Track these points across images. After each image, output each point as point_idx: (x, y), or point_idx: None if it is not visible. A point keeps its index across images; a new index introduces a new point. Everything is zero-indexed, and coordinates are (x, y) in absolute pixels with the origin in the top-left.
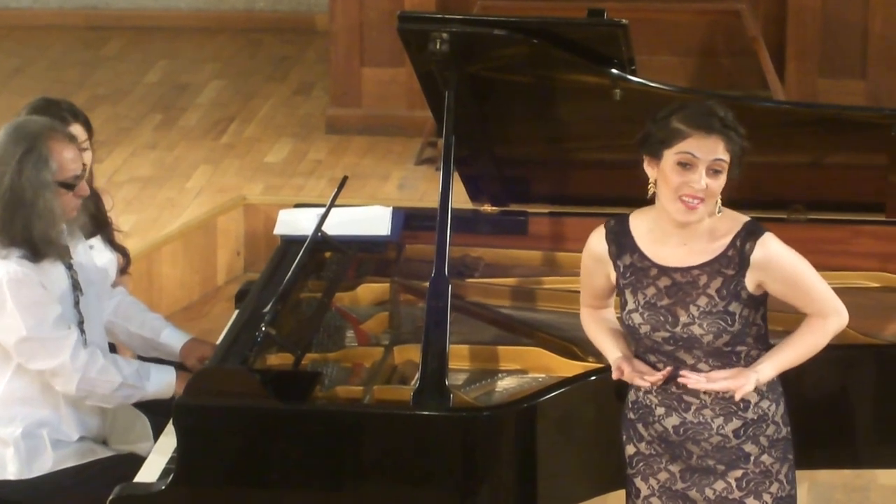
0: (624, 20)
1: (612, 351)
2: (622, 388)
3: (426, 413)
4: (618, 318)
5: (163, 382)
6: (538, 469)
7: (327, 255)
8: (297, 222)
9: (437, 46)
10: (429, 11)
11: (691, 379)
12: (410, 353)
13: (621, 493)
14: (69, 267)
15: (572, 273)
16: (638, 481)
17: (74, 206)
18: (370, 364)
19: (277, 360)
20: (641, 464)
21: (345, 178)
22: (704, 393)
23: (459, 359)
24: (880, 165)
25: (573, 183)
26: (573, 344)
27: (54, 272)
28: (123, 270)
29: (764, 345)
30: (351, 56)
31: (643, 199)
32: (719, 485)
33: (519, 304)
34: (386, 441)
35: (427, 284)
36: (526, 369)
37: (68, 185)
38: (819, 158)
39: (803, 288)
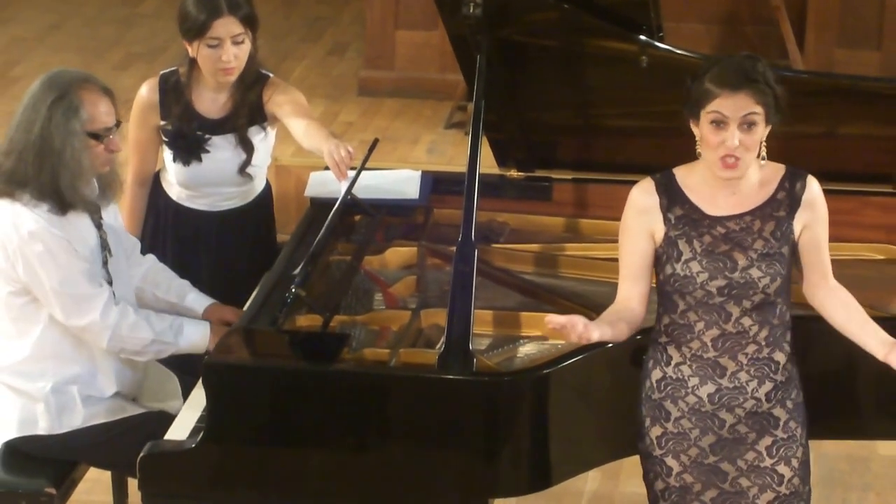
0: None
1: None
2: (637, 356)
3: (450, 377)
4: (662, 279)
5: (196, 337)
6: (557, 433)
7: (357, 217)
8: (327, 185)
9: (471, 10)
10: None
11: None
12: (437, 317)
13: (633, 463)
14: (99, 226)
15: (594, 240)
16: (669, 460)
17: (105, 161)
18: (397, 327)
19: (306, 321)
20: (671, 443)
21: (375, 141)
22: (741, 354)
23: (483, 324)
24: (890, 136)
25: (597, 149)
26: (592, 311)
27: (83, 228)
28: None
29: (789, 304)
30: (386, 18)
31: (667, 166)
32: (750, 455)
33: (541, 270)
34: (410, 403)
35: (454, 249)
36: (546, 336)
37: (97, 136)
38: (832, 129)
39: (825, 242)
